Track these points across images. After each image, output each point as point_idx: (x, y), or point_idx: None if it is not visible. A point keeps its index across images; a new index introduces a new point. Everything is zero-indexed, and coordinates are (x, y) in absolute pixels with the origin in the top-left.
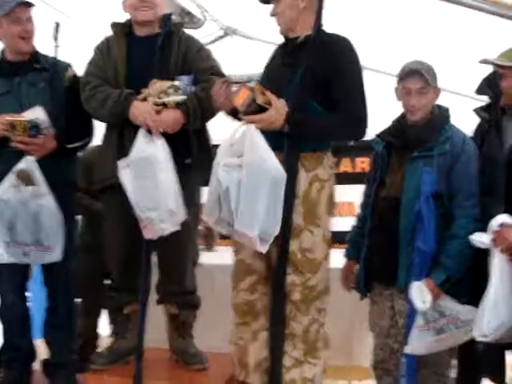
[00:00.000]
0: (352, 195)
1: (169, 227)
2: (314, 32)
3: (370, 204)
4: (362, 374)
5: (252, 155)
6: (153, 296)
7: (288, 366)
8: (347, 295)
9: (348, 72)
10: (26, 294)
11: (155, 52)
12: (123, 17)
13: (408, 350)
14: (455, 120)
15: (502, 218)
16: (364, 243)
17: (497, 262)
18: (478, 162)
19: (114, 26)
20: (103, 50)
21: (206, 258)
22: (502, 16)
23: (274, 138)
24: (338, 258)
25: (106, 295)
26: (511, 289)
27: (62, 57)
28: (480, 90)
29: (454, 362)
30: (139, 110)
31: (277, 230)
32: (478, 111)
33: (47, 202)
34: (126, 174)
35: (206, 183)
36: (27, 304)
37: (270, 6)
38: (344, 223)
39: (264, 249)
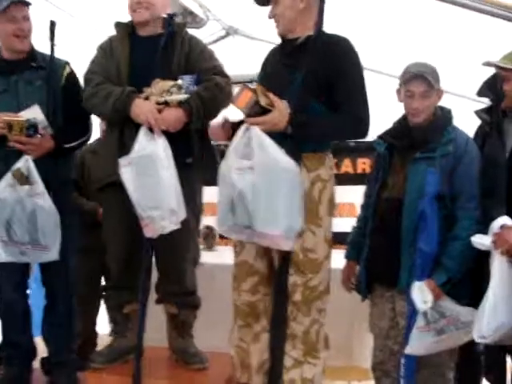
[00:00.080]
0: (353, 196)
1: (169, 226)
2: (316, 33)
3: (372, 205)
4: (362, 375)
5: (263, 156)
6: (153, 295)
7: (288, 367)
8: (347, 296)
9: (350, 73)
10: (27, 291)
11: (158, 52)
12: (125, 15)
13: (408, 350)
14: (456, 122)
15: (502, 220)
16: (365, 244)
17: (497, 263)
18: (479, 164)
19: (118, 25)
20: (106, 49)
21: (206, 257)
22: (503, 18)
23: (276, 139)
24: (338, 258)
25: (101, 294)
26: (511, 291)
27: (64, 55)
28: (481, 93)
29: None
30: (141, 108)
31: (300, 225)
32: (478, 113)
33: (44, 201)
34: (127, 172)
35: (207, 183)
36: (28, 301)
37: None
38: (345, 224)
39: (289, 246)
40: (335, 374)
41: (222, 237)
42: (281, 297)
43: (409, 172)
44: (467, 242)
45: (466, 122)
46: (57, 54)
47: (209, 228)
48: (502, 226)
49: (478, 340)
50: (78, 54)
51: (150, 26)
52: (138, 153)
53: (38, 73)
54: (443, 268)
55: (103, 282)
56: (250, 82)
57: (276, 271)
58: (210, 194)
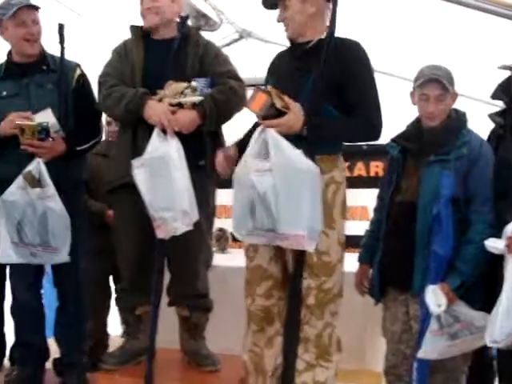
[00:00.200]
0: (366, 199)
1: (182, 227)
2: (328, 36)
3: (385, 208)
4: (374, 379)
5: (280, 157)
6: (165, 297)
7: (300, 370)
8: (360, 299)
9: (361, 77)
10: (41, 291)
11: (171, 54)
12: (132, 15)
13: (421, 354)
14: (470, 125)
15: None
16: (379, 247)
17: (510, 267)
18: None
19: (132, 29)
20: (121, 52)
21: (219, 259)
22: None
23: (290, 142)
24: (351, 261)
25: (110, 295)
26: None
27: (71, 55)
28: (495, 95)
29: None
30: (154, 109)
31: (321, 226)
32: (492, 116)
33: (54, 203)
34: (140, 173)
35: (220, 185)
36: (41, 302)
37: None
38: (357, 227)
39: (312, 247)
40: (347, 378)
41: (234, 239)
42: (295, 300)
43: (423, 175)
44: (481, 246)
45: (481, 125)
46: (66, 54)
47: (222, 230)
48: None
49: (490, 344)
50: (84, 53)
51: (162, 30)
52: (151, 154)
53: (48, 76)
54: (457, 272)
55: (111, 283)
56: (264, 85)
57: (290, 275)
58: (223, 197)
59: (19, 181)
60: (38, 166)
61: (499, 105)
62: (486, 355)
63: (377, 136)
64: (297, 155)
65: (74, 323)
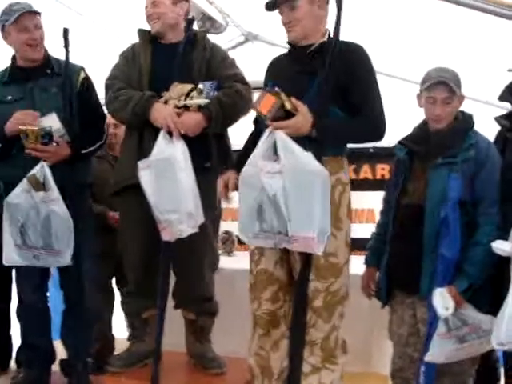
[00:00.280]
0: (372, 202)
1: (187, 229)
2: (333, 40)
3: (392, 211)
4: (381, 382)
5: (290, 159)
6: (171, 300)
7: (306, 373)
8: (366, 302)
9: (364, 79)
10: (47, 293)
11: (177, 57)
12: (133, 15)
13: (428, 357)
14: (477, 127)
15: None
16: (386, 250)
17: None
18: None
19: (140, 33)
20: (128, 56)
21: (225, 262)
22: None
23: (298, 143)
24: (357, 264)
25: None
26: None
27: (74, 55)
28: (502, 97)
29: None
30: (160, 112)
31: (329, 228)
32: (498, 119)
33: (58, 207)
34: (145, 175)
35: None
36: (47, 304)
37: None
38: (364, 230)
39: (321, 250)
40: (354, 380)
41: (240, 242)
42: (301, 303)
43: (430, 178)
44: (488, 248)
45: (488, 127)
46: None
47: (228, 233)
48: None
49: (496, 347)
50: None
51: (169, 35)
52: (157, 156)
53: (53, 79)
54: (465, 274)
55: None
56: (267, 87)
57: (297, 278)
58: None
59: (23, 184)
60: (42, 170)
61: (506, 107)
62: (491, 358)
63: (381, 136)
64: (306, 157)
65: (78, 326)
